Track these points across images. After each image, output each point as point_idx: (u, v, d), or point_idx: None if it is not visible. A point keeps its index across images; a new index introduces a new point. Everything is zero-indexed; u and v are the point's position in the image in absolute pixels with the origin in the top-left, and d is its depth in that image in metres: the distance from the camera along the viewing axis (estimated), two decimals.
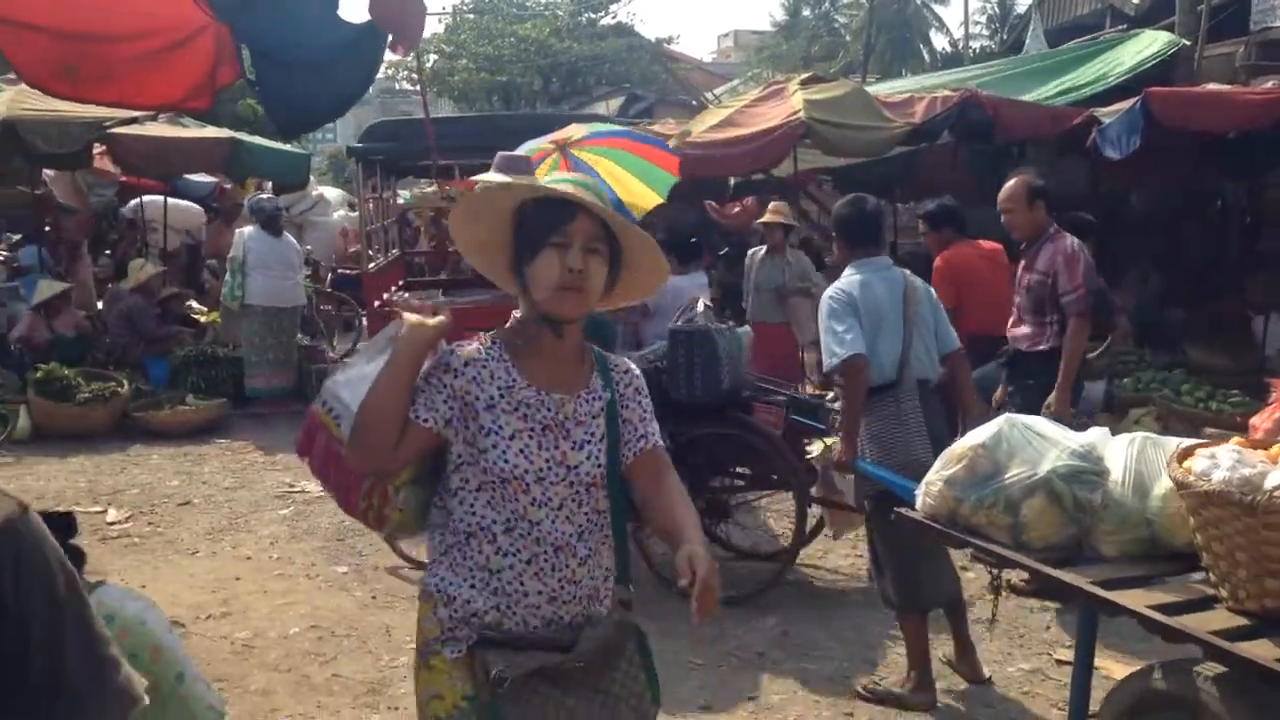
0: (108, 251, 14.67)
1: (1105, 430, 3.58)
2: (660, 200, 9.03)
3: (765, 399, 5.70)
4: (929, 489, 3.66)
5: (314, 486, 7.74)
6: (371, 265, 10.38)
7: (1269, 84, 9.95)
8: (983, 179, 12.80)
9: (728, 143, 10.27)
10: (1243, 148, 9.57)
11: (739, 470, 5.98)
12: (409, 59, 31.46)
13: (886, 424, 4.55)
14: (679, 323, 5.65)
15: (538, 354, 2.32)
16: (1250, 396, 8.23)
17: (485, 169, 11.31)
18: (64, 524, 2.82)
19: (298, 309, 10.65)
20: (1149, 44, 11.79)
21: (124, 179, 13.35)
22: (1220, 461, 2.95)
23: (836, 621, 5.29)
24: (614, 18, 34.10)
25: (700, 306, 5.74)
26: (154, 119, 10.73)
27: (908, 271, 4.97)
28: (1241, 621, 2.88)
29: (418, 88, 32.83)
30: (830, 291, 4.74)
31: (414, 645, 4.88)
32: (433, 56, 32.72)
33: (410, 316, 2.29)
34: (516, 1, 34.88)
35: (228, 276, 10.51)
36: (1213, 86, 9.99)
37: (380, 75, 4.79)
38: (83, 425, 9.02)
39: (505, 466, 2.22)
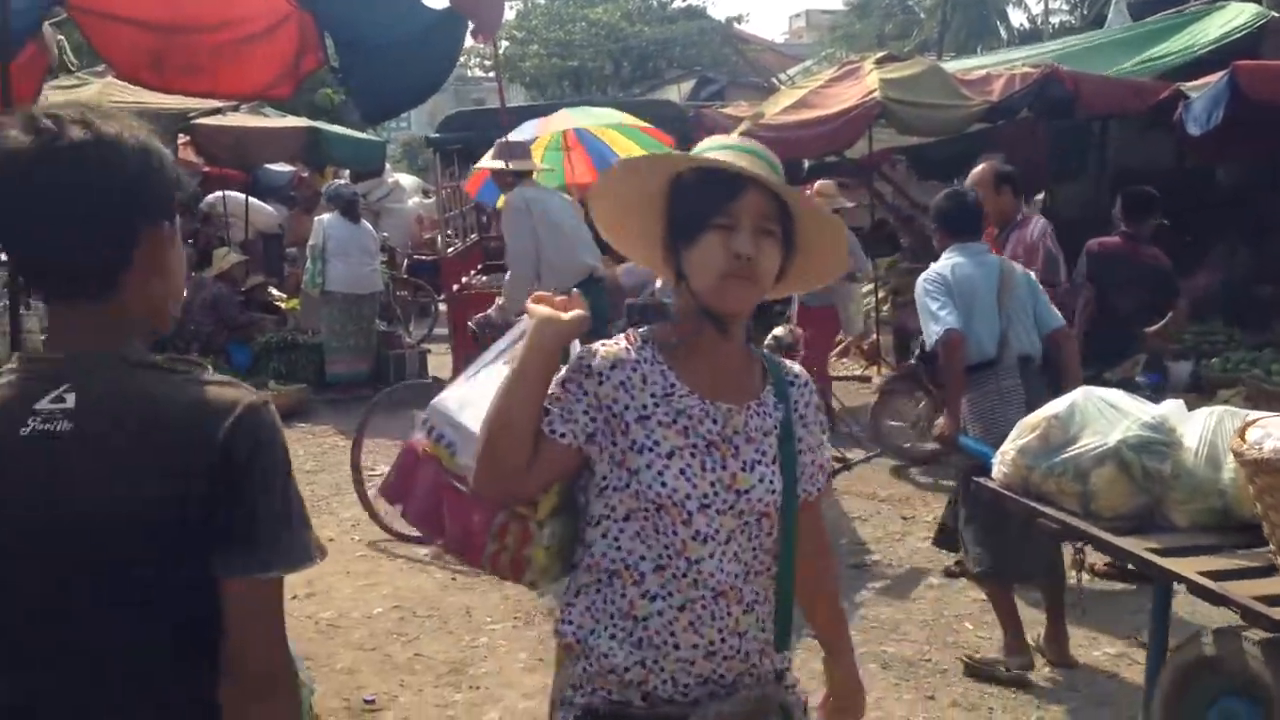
0: (189, 241, 15.00)
1: (1180, 403, 3.63)
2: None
3: None
4: (1004, 458, 3.79)
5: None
6: (450, 250, 10.47)
7: None
8: (1064, 156, 12.61)
9: (801, 124, 10.19)
10: None
11: None
12: (483, 46, 31.70)
13: (988, 400, 4.64)
14: (638, 299, 5.71)
15: (698, 355, 1.94)
16: None
17: None
18: None
19: (376, 295, 10.78)
20: (1236, 15, 11.45)
21: (207, 169, 13.63)
22: (1273, 431, 3.00)
23: (914, 604, 5.25)
24: (685, 0, 34.01)
25: (659, 283, 5.76)
26: (235, 109, 10.94)
27: (1005, 258, 5.20)
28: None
29: (490, 75, 32.94)
30: (925, 275, 4.91)
31: (499, 631, 4.92)
32: (504, 43, 32.90)
33: (539, 309, 1.90)
34: None
35: (308, 264, 10.69)
36: None
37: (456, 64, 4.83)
38: None
39: (662, 490, 1.84)
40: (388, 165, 16.11)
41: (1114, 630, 4.93)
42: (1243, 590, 2.92)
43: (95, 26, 4.17)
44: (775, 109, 11.14)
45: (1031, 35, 28.42)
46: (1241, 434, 3.04)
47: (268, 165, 14.09)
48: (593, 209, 2.04)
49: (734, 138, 2.06)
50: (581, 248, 6.26)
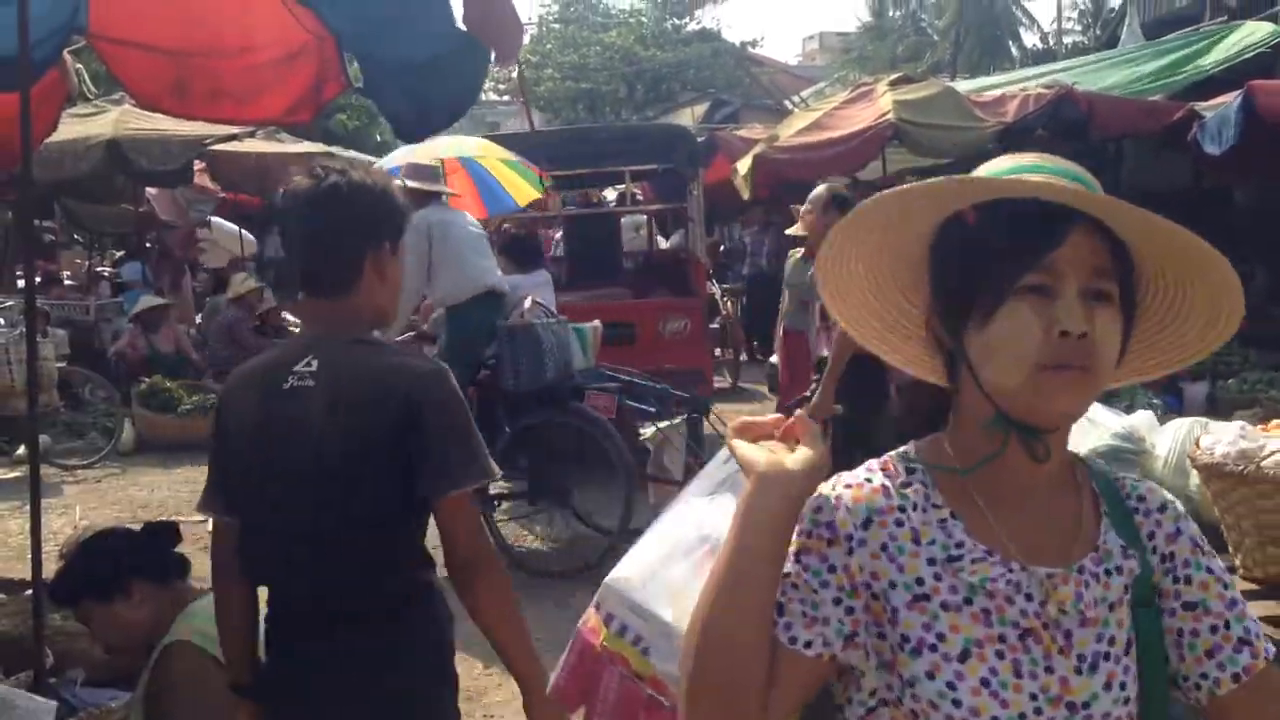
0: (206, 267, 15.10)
1: (1150, 414, 3.94)
2: (537, 195, 9.15)
3: (598, 387, 6.14)
4: None
5: None
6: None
7: None
8: None
9: (816, 146, 10.23)
10: None
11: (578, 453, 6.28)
12: (499, 70, 31.89)
13: None
14: (508, 319, 6.12)
15: (996, 488, 1.29)
16: None
17: (582, 180, 11.43)
18: (170, 532, 2.92)
19: None
20: (1250, 34, 11.44)
21: (223, 195, 13.72)
22: (1223, 438, 3.29)
23: None
24: (698, 23, 34.19)
25: (528, 304, 6.16)
26: (252, 135, 11.01)
27: None
28: (1248, 587, 3.10)
29: (505, 98, 33.05)
30: None
31: None
32: (518, 66, 33.11)
33: (755, 455, 1.26)
34: (601, 10, 35.13)
35: None
36: None
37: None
38: (185, 436, 9.27)
39: (955, 713, 1.21)
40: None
41: None
42: None
43: (115, 54, 4.19)
44: (790, 131, 11.18)
45: (1044, 55, 28.46)
46: (1198, 441, 3.30)
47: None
48: (819, 268, 1.35)
49: (1030, 156, 1.32)
50: (482, 268, 6.34)
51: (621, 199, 12.20)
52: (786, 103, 25.63)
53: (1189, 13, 15.70)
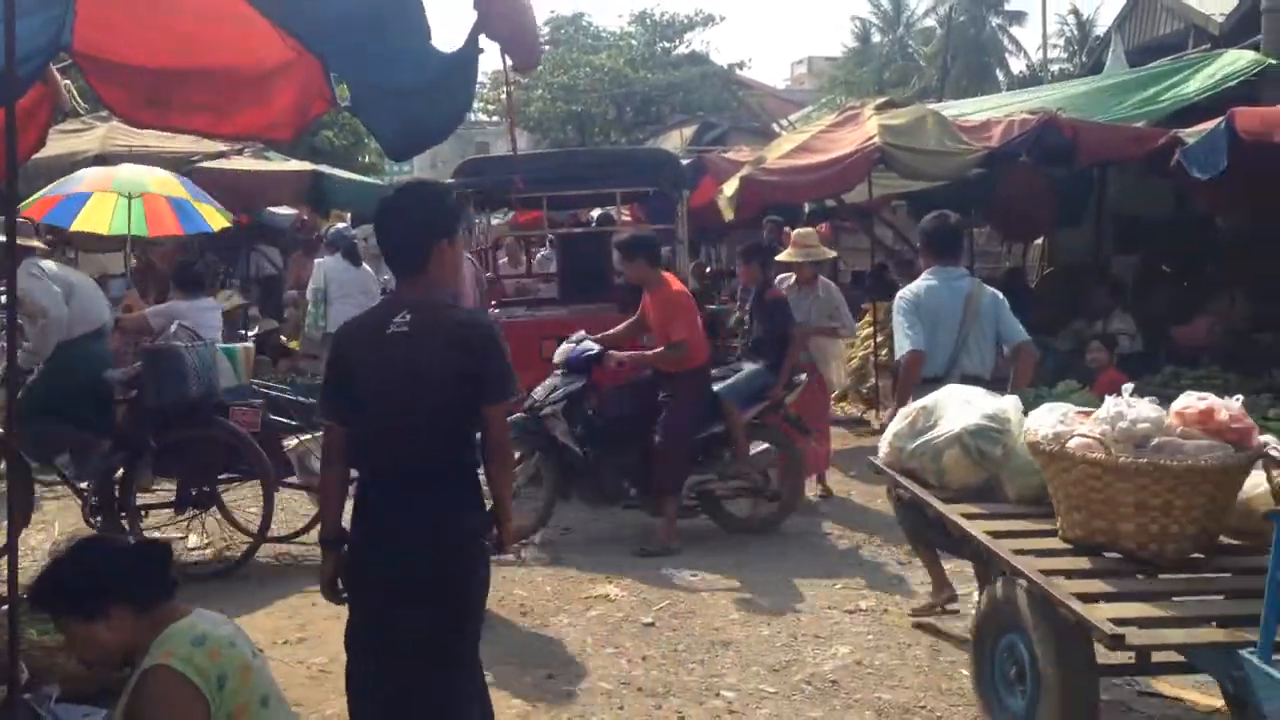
0: None
1: (1016, 398, 4.56)
2: (226, 224, 10.22)
3: (243, 403, 6.66)
4: (886, 441, 4.83)
5: None
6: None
7: None
8: (1065, 203, 12.66)
9: (802, 169, 10.27)
10: None
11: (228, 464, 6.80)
12: (489, 90, 31.92)
13: None
14: (154, 342, 6.66)
15: None
16: None
17: (569, 202, 11.58)
18: (162, 554, 2.89)
19: None
20: (1233, 62, 11.54)
21: None
22: (1045, 420, 3.98)
23: (911, 650, 5.20)
24: (688, 46, 34.32)
25: (174, 327, 6.64)
26: (239, 153, 11.03)
27: (979, 281, 5.87)
28: (1059, 546, 3.93)
29: (494, 118, 33.04)
30: (901, 292, 5.70)
31: (492, 675, 4.90)
32: (513, 84, 33.14)
33: None
34: (591, 32, 35.25)
35: (310, 306, 10.68)
36: None
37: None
38: None
39: None
40: None
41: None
42: (1006, 545, 3.91)
43: (96, 70, 4.21)
44: (776, 154, 11.22)
45: (1030, 82, 28.67)
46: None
47: (270, 209, 14.15)
48: None
49: None
50: (96, 304, 6.80)
51: (605, 219, 12.37)
52: (774, 126, 25.74)
53: (1172, 40, 15.83)
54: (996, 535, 4.03)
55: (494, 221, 12.90)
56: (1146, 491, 3.68)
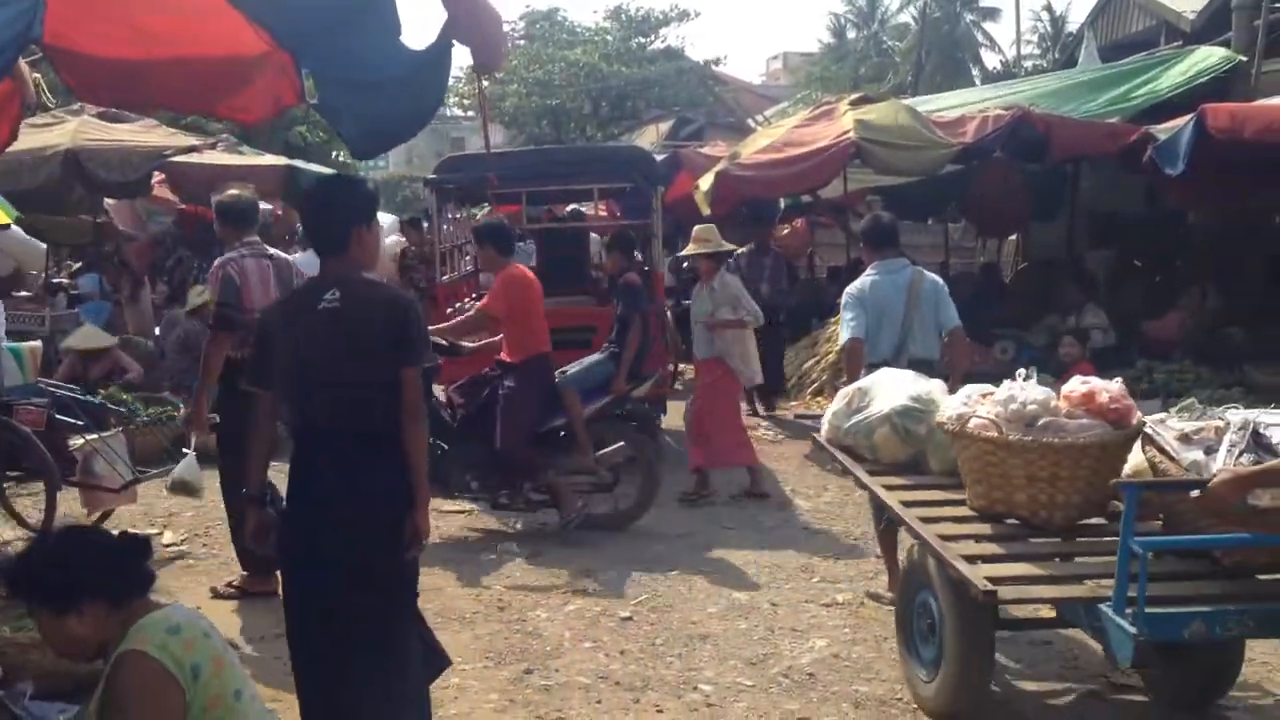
0: (165, 279, 14.94)
1: (942, 383, 5.07)
2: (7, 220, 10.11)
3: (27, 402, 6.79)
4: (826, 420, 5.36)
5: None
6: (445, 278, 10.58)
7: None
8: (1039, 198, 12.74)
9: (778, 164, 10.30)
10: None
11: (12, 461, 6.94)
12: (462, 83, 31.81)
13: None
14: None
15: None
16: None
17: (547, 198, 11.78)
18: (142, 548, 2.86)
19: None
20: (1204, 59, 11.65)
21: (182, 207, 13.61)
22: (952, 403, 4.49)
23: (888, 643, 5.22)
24: (663, 42, 34.29)
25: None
26: (212, 147, 10.95)
27: (921, 269, 6.31)
28: (965, 514, 4.42)
29: (469, 113, 32.92)
30: (848, 288, 6.20)
31: (470, 671, 4.90)
32: (484, 82, 32.97)
33: None
34: (567, 27, 35.18)
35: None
36: (1270, 101, 9.83)
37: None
38: (142, 449, 9.13)
39: None
40: None
41: (1082, 669, 4.92)
42: (915, 513, 4.41)
43: (66, 60, 4.17)
44: (752, 148, 11.26)
45: (1004, 78, 28.77)
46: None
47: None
48: None
49: None
50: None
51: (575, 215, 12.61)
52: (750, 121, 25.79)
53: (1144, 37, 15.96)
54: (909, 504, 4.53)
55: (477, 216, 13.00)
56: (1034, 465, 4.15)
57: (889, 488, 4.74)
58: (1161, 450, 3.96)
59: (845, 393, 5.29)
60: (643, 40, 33.68)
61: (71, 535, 2.95)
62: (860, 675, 4.88)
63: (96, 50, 4.11)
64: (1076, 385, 4.31)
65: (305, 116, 18.89)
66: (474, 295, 11.06)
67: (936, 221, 16.87)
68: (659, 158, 13.65)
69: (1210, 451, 3.82)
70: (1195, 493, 3.61)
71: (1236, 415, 3.94)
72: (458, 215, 11.55)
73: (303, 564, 3.59)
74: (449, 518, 7.55)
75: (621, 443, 7.17)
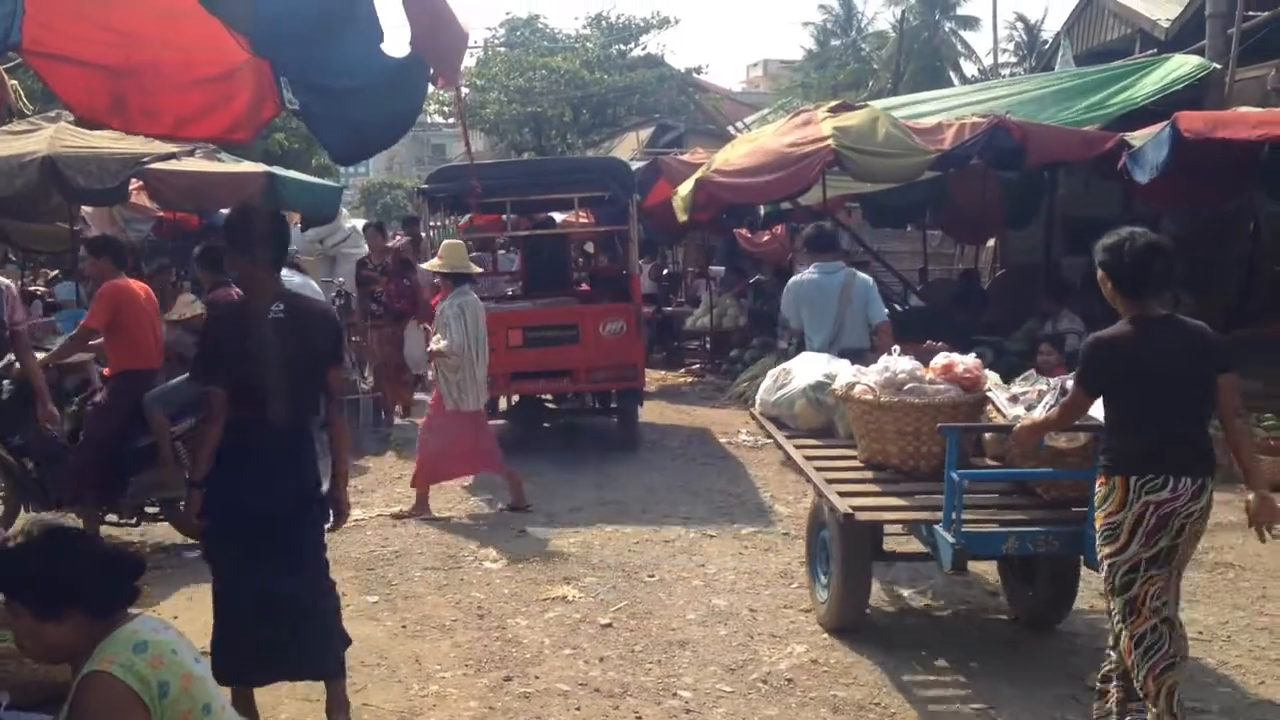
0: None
1: (846, 363, 5.97)
2: None
3: None
4: (758, 396, 6.39)
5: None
6: (436, 280, 10.66)
7: None
8: (1016, 204, 12.80)
9: (756, 170, 10.33)
10: (1276, 168, 9.49)
11: None
12: (444, 93, 31.74)
13: None
14: None
15: None
16: None
17: (530, 206, 11.97)
18: (133, 569, 2.81)
19: None
20: (1179, 67, 11.74)
21: (161, 214, 13.53)
22: (845, 374, 5.58)
23: (866, 648, 5.25)
24: (644, 49, 34.30)
25: None
26: (191, 154, 10.88)
27: (854, 270, 7.41)
28: (855, 465, 5.41)
29: (450, 121, 32.85)
30: (788, 285, 7.29)
31: (449, 679, 4.91)
32: (465, 89, 32.94)
33: None
34: (547, 35, 35.16)
35: None
36: (1243, 109, 9.93)
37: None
38: None
39: None
40: (345, 211, 16.07)
41: (1059, 670, 4.95)
42: (812, 464, 5.37)
43: (51, 69, 4.15)
44: (731, 155, 11.28)
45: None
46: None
47: (224, 210, 13.99)
48: None
49: None
50: None
51: (548, 222, 13.05)
52: (730, 128, 25.84)
53: (1119, 45, 16.07)
54: (811, 458, 5.49)
55: (459, 224, 13.12)
56: (902, 422, 5.15)
57: (799, 446, 5.71)
58: (996, 408, 5.08)
59: (773, 373, 6.36)
60: (623, 47, 33.66)
61: (72, 540, 2.86)
62: (839, 680, 4.90)
63: (78, 55, 4.10)
64: (939, 358, 5.38)
65: (284, 125, 18.81)
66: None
67: (915, 228, 16.96)
68: (638, 165, 13.74)
69: (1030, 408, 4.84)
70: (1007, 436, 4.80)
71: (1055, 380, 4.95)
72: (444, 223, 11.64)
73: (237, 520, 4.19)
74: (429, 525, 7.55)
75: None
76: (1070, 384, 4.41)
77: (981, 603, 5.94)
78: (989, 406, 5.12)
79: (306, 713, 4.67)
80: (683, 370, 14.99)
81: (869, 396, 5.21)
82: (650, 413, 11.03)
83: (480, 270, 9.46)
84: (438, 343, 7.64)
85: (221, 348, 4.22)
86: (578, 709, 4.66)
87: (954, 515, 4.50)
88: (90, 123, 4.83)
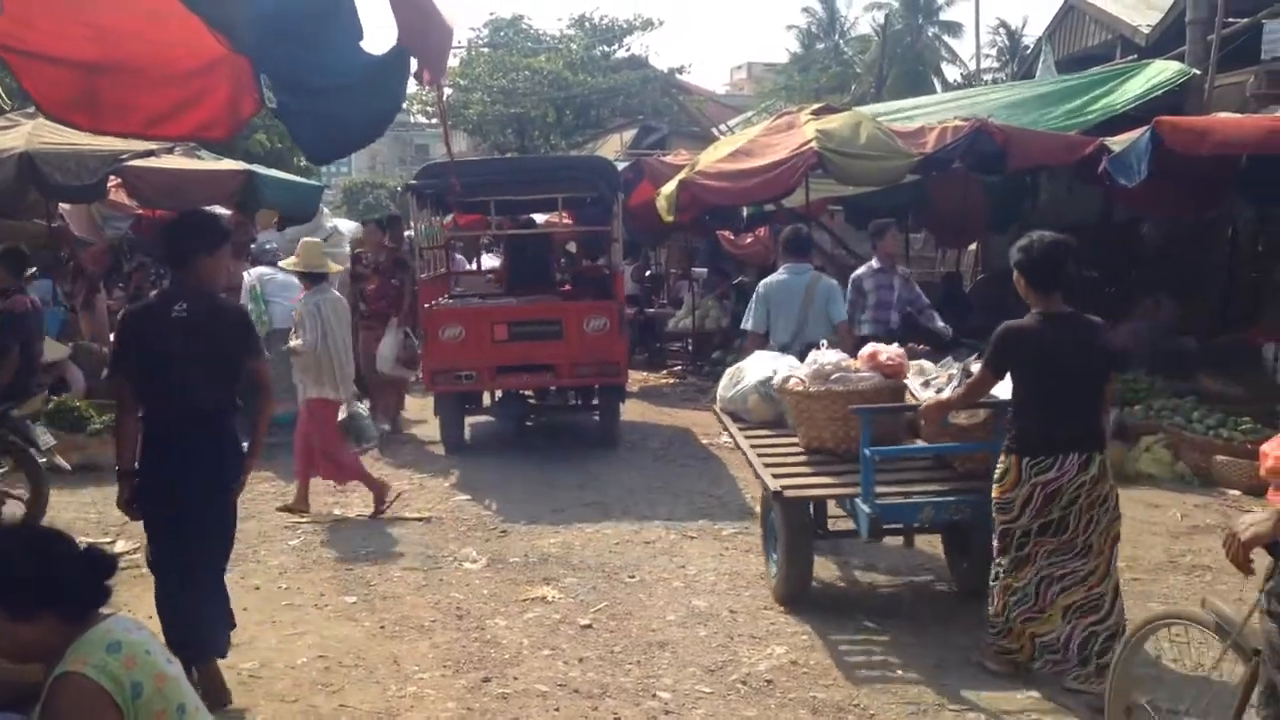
0: (121, 286, 14.76)
1: (792, 359, 6.39)
2: None
3: None
4: (717, 393, 6.85)
5: (323, 517, 7.74)
6: (424, 275, 10.72)
7: (1279, 113, 9.95)
8: (999, 208, 12.84)
9: (740, 173, 10.32)
10: (1254, 176, 9.56)
11: None
12: (426, 92, 31.67)
13: None
14: None
15: None
16: (1261, 424, 8.17)
17: (513, 206, 12.04)
18: (108, 568, 2.78)
19: None
20: (1159, 73, 11.80)
21: (139, 211, 13.44)
22: (783, 370, 6.09)
23: (845, 649, 5.25)
24: (627, 50, 34.30)
25: None
26: (170, 151, 10.81)
27: (819, 273, 7.91)
28: (797, 450, 5.89)
29: (434, 121, 32.79)
30: (759, 284, 7.74)
31: (427, 680, 4.90)
32: (448, 90, 32.89)
33: None
34: (531, 35, 35.11)
35: (250, 305, 10.55)
36: (1223, 115, 9.99)
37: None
38: (94, 456, 9.04)
39: None
40: (326, 210, 15.98)
41: (1034, 678, 4.96)
42: (755, 449, 5.94)
43: (23, 66, 4.10)
44: (714, 157, 11.28)
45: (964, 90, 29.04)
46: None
47: (203, 209, 13.91)
48: None
49: None
50: None
51: (529, 223, 13.16)
52: (714, 130, 25.84)
53: (1100, 51, 16.16)
54: (757, 446, 6.01)
55: (444, 223, 13.15)
56: (830, 409, 5.64)
57: (748, 436, 6.20)
58: (911, 394, 5.66)
59: (729, 371, 6.81)
60: (607, 49, 33.67)
61: (47, 541, 2.82)
62: (818, 682, 4.89)
63: (52, 51, 4.05)
64: (866, 349, 5.95)
65: (263, 124, 18.70)
66: (448, 294, 11.33)
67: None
68: (622, 166, 13.73)
69: (940, 391, 5.37)
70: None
71: (959, 365, 5.53)
72: (424, 221, 11.63)
73: (169, 503, 4.55)
74: (409, 525, 7.52)
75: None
76: (974, 368, 5.05)
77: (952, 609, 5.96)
78: (907, 393, 5.68)
79: (284, 714, 4.64)
80: (665, 371, 14.98)
81: (800, 388, 5.77)
82: (632, 413, 11.02)
83: (340, 269, 9.59)
84: (293, 340, 7.75)
85: (127, 345, 4.57)
86: (556, 710, 4.64)
87: (870, 488, 5.18)
88: (58, 120, 4.74)
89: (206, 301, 4.59)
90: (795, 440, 5.96)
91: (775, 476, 5.50)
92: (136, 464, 4.59)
